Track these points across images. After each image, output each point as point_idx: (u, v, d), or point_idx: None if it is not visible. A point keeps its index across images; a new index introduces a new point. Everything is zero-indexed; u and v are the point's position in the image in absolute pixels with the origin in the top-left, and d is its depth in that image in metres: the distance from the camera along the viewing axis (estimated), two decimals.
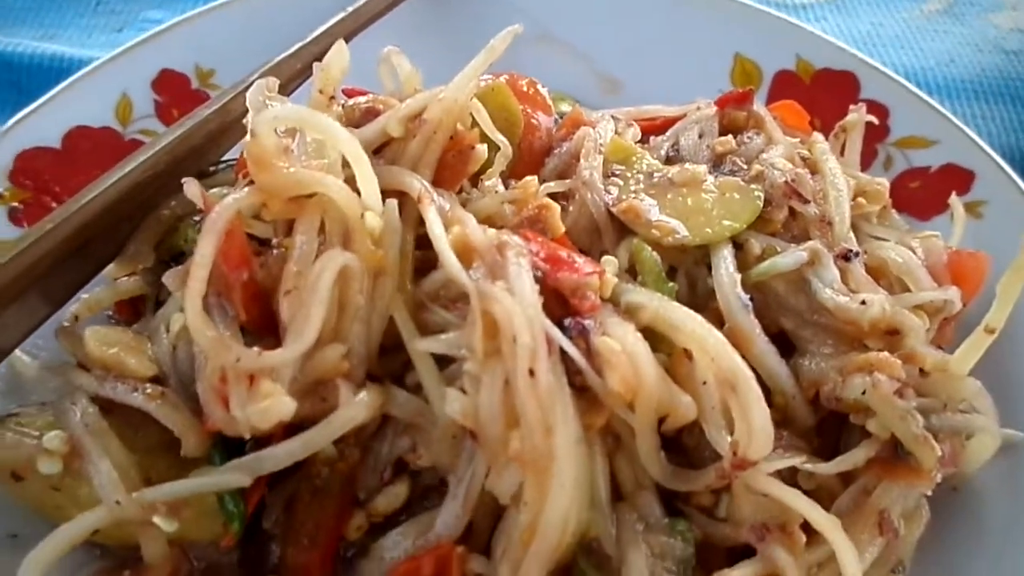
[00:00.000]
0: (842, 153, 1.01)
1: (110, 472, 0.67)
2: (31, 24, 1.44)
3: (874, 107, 1.07)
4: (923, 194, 1.02)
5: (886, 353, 0.69)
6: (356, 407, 0.67)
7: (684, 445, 0.71)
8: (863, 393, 0.68)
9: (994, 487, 0.79)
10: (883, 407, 0.67)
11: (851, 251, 0.78)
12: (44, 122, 0.97)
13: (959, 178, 1.00)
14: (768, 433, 0.63)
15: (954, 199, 0.94)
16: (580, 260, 0.70)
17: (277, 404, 0.62)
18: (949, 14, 1.64)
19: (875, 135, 1.06)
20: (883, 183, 0.94)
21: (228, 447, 0.69)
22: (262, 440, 0.68)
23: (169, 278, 0.70)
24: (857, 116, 1.01)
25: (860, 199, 0.89)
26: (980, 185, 0.99)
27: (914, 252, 0.85)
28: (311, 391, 0.68)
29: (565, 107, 1.12)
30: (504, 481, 0.64)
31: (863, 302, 0.73)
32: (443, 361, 0.70)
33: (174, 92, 1.05)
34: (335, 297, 0.68)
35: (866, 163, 1.05)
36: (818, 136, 0.97)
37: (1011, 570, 0.75)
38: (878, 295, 0.74)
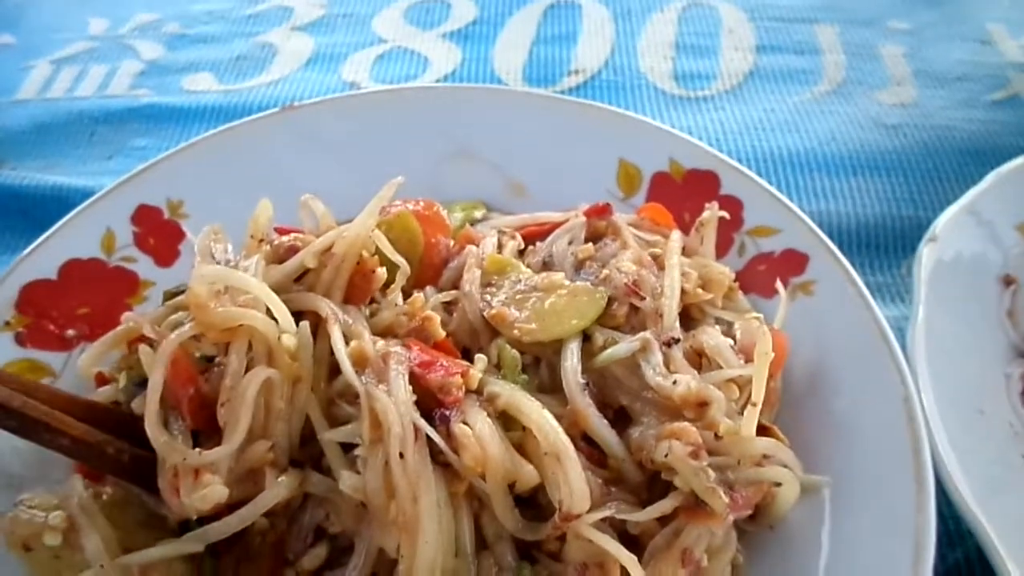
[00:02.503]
0: (701, 243, 1.22)
1: (98, 543, 0.86)
2: (35, 156, 1.68)
3: (731, 201, 1.25)
4: (768, 276, 1.18)
5: (686, 423, 0.89)
6: (279, 488, 0.87)
7: (539, 503, 0.90)
8: (666, 456, 0.87)
9: (803, 524, 0.96)
10: (680, 466, 0.86)
11: (673, 338, 0.98)
12: (42, 258, 1.17)
13: (796, 261, 1.17)
14: (584, 493, 0.82)
15: (779, 285, 1.12)
16: (447, 363, 0.90)
17: (213, 491, 0.82)
18: (838, 94, 1.84)
19: (731, 226, 1.23)
20: (725, 272, 1.14)
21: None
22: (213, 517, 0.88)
23: (136, 403, 0.91)
24: (711, 213, 1.21)
25: (699, 290, 1.09)
26: (812, 266, 1.16)
27: (735, 333, 1.05)
28: (245, 477, 0.88)
29: (477, 214, 1.34)
30: (389, 540, 0.84)
31: (675, 381, 0.92)
32: (350, 446, 0.91)
33: (150, 223, 1.27)
34: (261, 403, 0.88)
35: (724, 249, 1.23)
36: (674, 235, 1.17)
37: None
38: (687, 375, 0.93)
